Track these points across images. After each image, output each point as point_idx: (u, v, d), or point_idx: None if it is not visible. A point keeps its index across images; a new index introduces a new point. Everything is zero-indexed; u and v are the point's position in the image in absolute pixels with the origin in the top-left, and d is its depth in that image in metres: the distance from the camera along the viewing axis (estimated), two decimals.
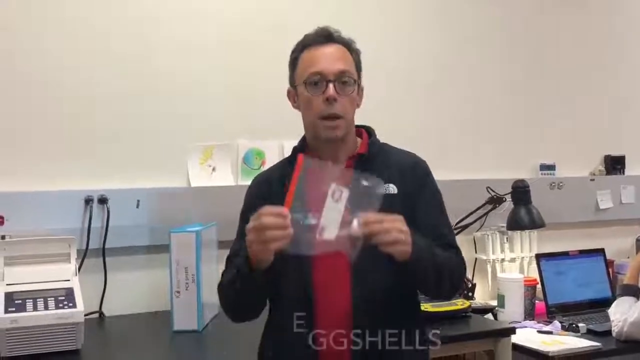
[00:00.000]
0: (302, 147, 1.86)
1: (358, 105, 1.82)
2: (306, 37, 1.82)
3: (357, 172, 1.61)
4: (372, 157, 1.82)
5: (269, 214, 1.53)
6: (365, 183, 1.58)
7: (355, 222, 1.54)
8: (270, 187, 1.85)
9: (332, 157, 1.81)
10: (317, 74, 1.75)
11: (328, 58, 1.76)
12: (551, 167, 3.59)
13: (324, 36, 1.79)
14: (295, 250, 1.55)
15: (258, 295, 1.75)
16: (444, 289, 1.78)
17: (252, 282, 1.67)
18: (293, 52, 1.83)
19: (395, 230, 1.56)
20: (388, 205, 1.74)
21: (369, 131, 1.91)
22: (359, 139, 1.88)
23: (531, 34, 3.58)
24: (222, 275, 1.86)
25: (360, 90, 1.83)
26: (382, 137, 1.92)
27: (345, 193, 1.55)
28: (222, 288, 1.81)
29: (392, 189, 1.78)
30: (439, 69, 3.35)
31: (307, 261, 1.72)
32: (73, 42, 2.66)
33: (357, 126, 1.88)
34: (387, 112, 3.10)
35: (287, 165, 1.87)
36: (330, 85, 1.74)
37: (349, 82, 1.77)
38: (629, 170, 3.79)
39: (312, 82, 1.75)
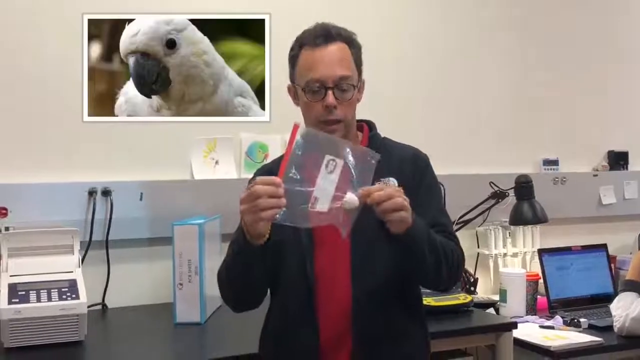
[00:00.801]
0: None
1: (359, 100, 1.81)
2: (305, 34, 1.78)
3: (352, 144, 1.59)
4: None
5: (261, 182, 1.52)
6: (361, 153, 1.56)
7: (348, 195, 1.52)
8: None
9: None
10: (317, 80, 1.72)
11: (327, 63, 1.73)
12: (554, 162, 3.59)
13: (323, 36, 1.75)
14: (289, 221, 1.53)
15: (257, 278, 1.72)
16: (443, 274, 1.73)
17: (249, 256, 1.65)
18: (292, 49, 1.80)
19: (397, 197, 1.54)
20: None
21: (370, 125, 1.91)
22: (360, 133, 1.88)
23: (534, 30, 3.57)
24: (222, 263, 1.85)
25: (361, 85, 1.81)
26: (385, 131, 1.92)
27: (340, 164, 1.54)
28: (221, 272, 1.79)
29: (393, 182, 1.78)
30: (443, 64, 3.34)
31: (308, 253, 1.74)
32: (77, 39, 2.68)
33: (359, 120, 1.87)
34: (391, 107, 3.10)
35: None
36: (330, 93, 1.72)
37: (348, 88, 1.74)
38: (633, 166, 3.78)
39: (311, 89, 1.74)
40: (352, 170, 1.54)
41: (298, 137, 1.54)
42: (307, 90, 1.74)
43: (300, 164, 1.54)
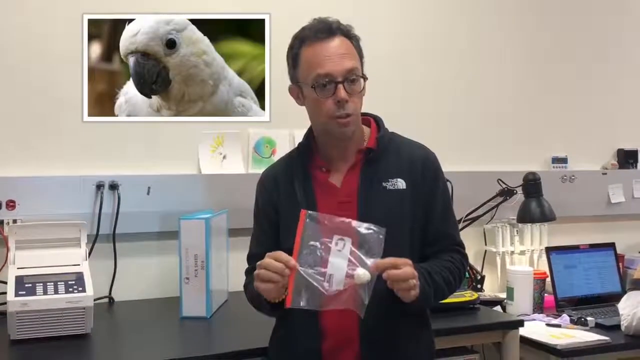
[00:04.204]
0: (308, 142, 1.86)
1: (366, 79, 1.79)
2: (304, 31, 1.75)
3: (358, 222, 1.62)
4: (381, 152, 1.82)
5: (273, 257, 1.61)
6: (366, 230, 1.61)
7: (360, 269, 1.58)
8: (277, 186, 1.86)
9: (341, 151, 1.81)
10: (325, 75, 1.70)
11: (333, 56, 1.71)
12: (563, 160, 3.58)
13: (324, 30, 1.72)
14: (307, 305, 1.59)
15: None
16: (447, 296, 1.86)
17: (267, 310, 1.78)
18: (291, 47, 1.77)
19: (409, 277, 1.60)
20: (397, 201, 1.76)
21: (378, 121, 1.89)
22: (366, 128, 1.86)
23: (544, 28, 3.55)
24: (246, 275, 1.92)
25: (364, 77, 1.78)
26: (394, 128, 1.91)
27: (348, 242, 1.59)
28: (246, 293, 1.89)
29: (401, 183, 1.78)
30: (451, 60, 3.33)
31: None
32: (77, 34, 2.67)
33: (364, 114, 1.86)
34: (399, 104, 3.10)
35: (293, 158, 1.87)
36: (340, 87, 1.70)
37: (357, 79, 1.73)
38: None
39: (320, 85, 1.71)
40: (362, 245, 1.60)
41: (306, 221, 1.60)
42: (316, 86, 1.72)
43: (311, 246, 1.60)
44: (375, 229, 1.60)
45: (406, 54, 3.21)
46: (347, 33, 1.76)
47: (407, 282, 1.60)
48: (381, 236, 1.60)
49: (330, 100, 1.71)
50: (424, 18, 3.28)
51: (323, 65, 1.70)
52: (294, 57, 1.77)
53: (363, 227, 1.61)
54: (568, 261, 3.06)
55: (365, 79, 1.76)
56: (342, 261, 1.58)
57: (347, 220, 1.63)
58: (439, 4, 3.31)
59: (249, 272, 1.90)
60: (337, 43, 1.72)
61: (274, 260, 1.60)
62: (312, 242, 1.60)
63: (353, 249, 1.59)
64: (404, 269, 1.60)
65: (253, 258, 1.90)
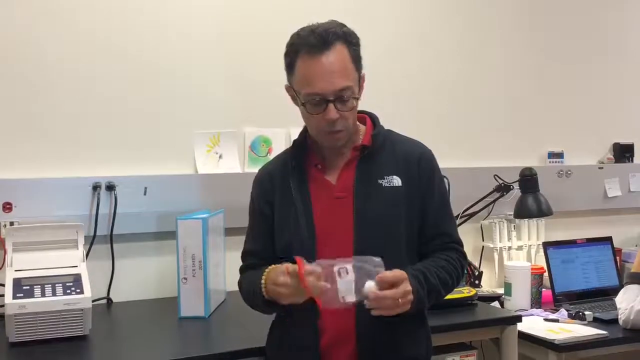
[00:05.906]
0: (303, 140, 1.86)
1: (359, 98, 1.78)
2: (300, 39, 1.71)
3: (356, 257, 1.64)
4: (377, 149, 1.82)
5: (283, 283, 1.65)
6: (365, 257, 1.63)
7: (368, 282, 1.60)
8: (273, 183, 1.86)
9: (336, 150, 1.81)
10: (316, 94, 1.68)
11: (326, 75, 1.67)
12: (559, 155, 3.58)
13: (320, 43, 1.67)
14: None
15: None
16: (445, 296, 1.86)
17: (266, 309, 1.79)
18: (287, 54, 1.74)
19: (399, 297, 1.61)
20: (393, 198, 1.76)
21: (373, 119, 1.89)
22: (361, 126, 1.86)
23: (540, 21, 3.55)
24: (240, 272, 1.92)
25: (361, 82, 1.77)
26: (391, 125, 1.91)
27: (350, 266, 1.61)
28: (241, 291, 1.89)
29: (397, 181, 1.78)
30: (448, 57, 3.33)
31: (311, 256, 1.73)
32: (76, 33, 2.67)
33: (359, 111, 1.85)
34: (395, 100, 3.10)
35: (289, 156, 1.88)
36: (331, 106, 1.69)
37: (348, 99, 1.71)
38: (638, 159, 3.77)
39: (311, 103, 1.70)
40: (363, 267, 1.62)
41: (305, 270, 1.61)
42: (307, 103, 1.71)
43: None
44: (375, 261, 1.62)
45: (404, 51, 3.21)
46: (344, 39, 1.71)
47: (394, 309, 1.62)
48: (377, 259, 1.61)
49: (320, 116, 1.71)
50: (423, 16, 3.28)
51: (314, 84, 1.68)
52: (289, 64, 1.74)
53: (363, 258, 1.63)
54: (565, 256, 3.07)
55: (357, 98, 1.74)
56: (349, 284, 1.60)
57: (345, 259, 1.64)
58: (438, 2, 3.32)
59: (244, 270, 1.90)
60: (331, 58, 1.67)
61: (280, 283, 1.65)
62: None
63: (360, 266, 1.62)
64: (396, 291, 1.61)
65: (248, 254, 1.91)
